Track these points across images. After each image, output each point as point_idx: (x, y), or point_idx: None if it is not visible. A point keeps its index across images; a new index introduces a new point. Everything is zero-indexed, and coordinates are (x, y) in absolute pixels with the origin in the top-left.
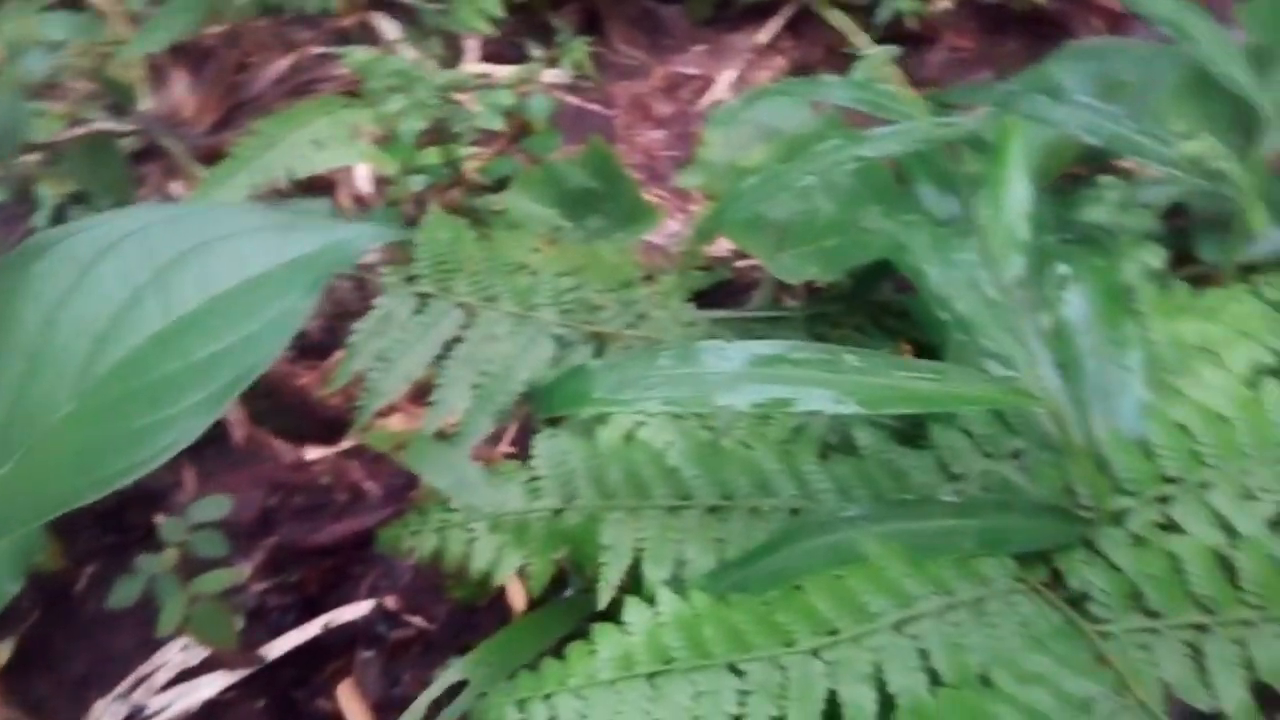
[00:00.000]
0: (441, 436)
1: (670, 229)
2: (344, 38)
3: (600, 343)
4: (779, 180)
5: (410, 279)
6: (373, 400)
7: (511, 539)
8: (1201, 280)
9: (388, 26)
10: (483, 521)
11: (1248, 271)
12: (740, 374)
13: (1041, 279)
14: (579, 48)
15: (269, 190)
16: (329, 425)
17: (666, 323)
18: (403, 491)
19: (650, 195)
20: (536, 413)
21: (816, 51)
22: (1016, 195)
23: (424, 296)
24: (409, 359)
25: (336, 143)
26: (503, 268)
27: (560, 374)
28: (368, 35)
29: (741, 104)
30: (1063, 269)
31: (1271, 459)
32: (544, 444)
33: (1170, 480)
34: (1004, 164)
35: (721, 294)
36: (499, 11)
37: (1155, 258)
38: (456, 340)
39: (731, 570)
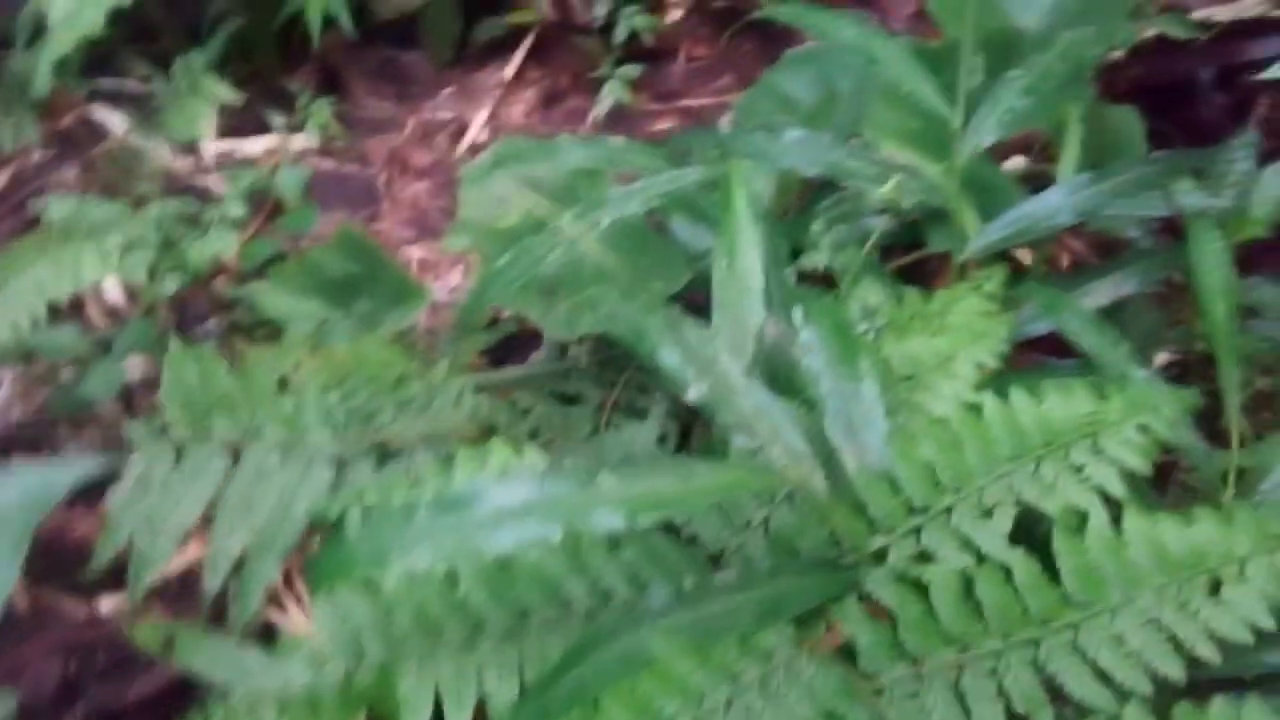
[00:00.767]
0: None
1: (452, 282)
2: (66, 139)
3: (383, 452)
4: (529, 256)
5: (163, 429)
6: (143, 570)
7: (304, 717)
8: (933, 273)
9: (112, 119)
10: (270, 706)
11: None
12: (502, 512)
13: (782, 324)
14: (323, 109)
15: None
16: (120, 569)
17: (447, 411)
18: None
19: (426, 250)
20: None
21: (564, 78)
22: (747, 246)
23: (181, 446)
24: (175, 519)
25: (73, 262)
26: (262, 395)
27: (323, 545)
28: (91, 132)
29: (489, 163)
30: (797, 311)
31: (997, 472)
32: (323, 606)
33: (918, 510)
34: (732, 215)
35: (510, 349)
36: (227, 93)
37: (874, 294)
38: (225, 487)
39: (532, 698)
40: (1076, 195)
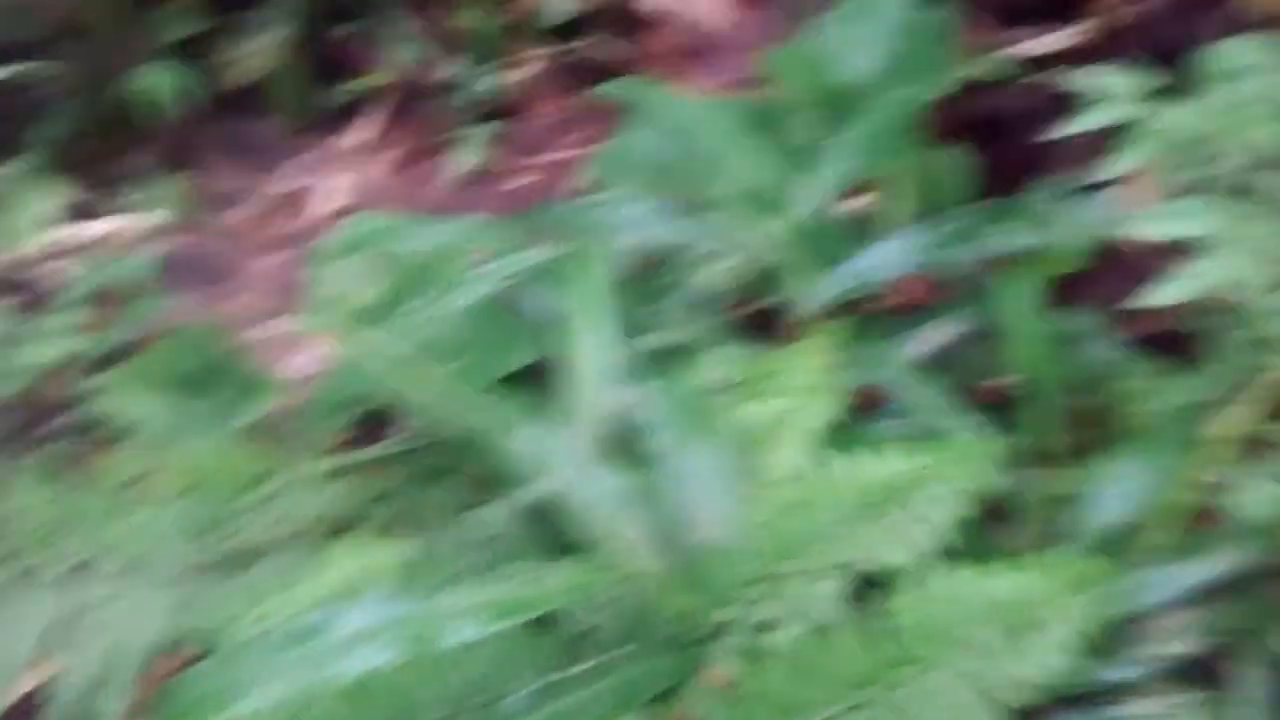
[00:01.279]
0: None
1: (313, 359)
2: None
3: (242, 561)
4: (386, 338)
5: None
6: None
7: None
8: (785, 325)
9: None
10: None
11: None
12: (353, 637)
13: (632, 399)
14: (172, 185)
15: None
16: None
17: (309, 503)
18: None
19: (286, 324)
20: None
21: (421, 139)
22: (598, 324)
23: (26, 569)
24: (6, 661)
25: None
26: (112, 507)
27: (174, 684)
28: None
29: (343, 243)
30: (646, 388)
31: (831, 534)
32: None
33: (758, 580)
34: (582, 293)
35: (372, 426)
36: (63, 185)
37: (724, 358)
38: (70, 611)
39: None
40: (907, 247)
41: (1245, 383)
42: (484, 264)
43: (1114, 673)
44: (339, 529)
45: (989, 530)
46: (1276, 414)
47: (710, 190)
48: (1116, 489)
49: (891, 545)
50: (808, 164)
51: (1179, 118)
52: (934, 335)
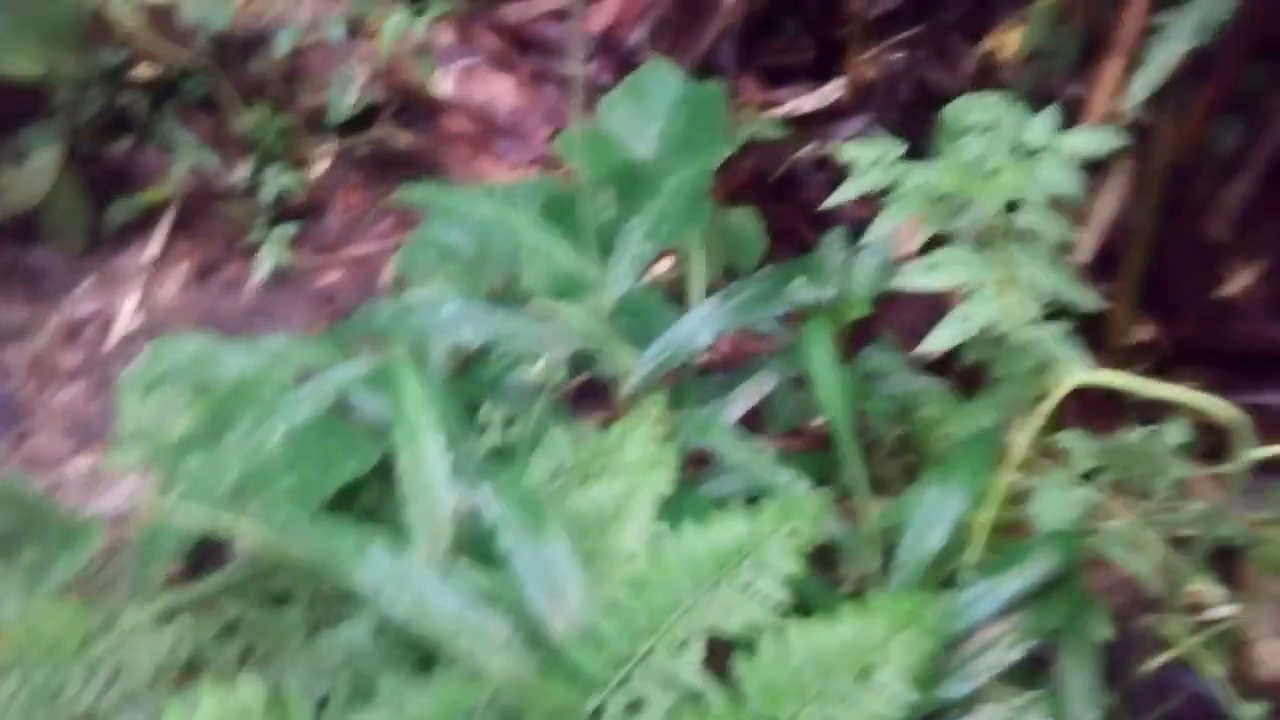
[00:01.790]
0: None
1: (127, 492)
2: None
3: None
4: (209, 471)
5: None
6: None
7: None
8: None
9: None
10: None
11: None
12: None
13: (472, 501)
14: None
15: None
16: None
17: (145, 653)
18: None
19: (92, 459)
20: None
21: (214, 248)
22: (426, 434)
23: None
24: None
25: None
26: None
27: None
28: None
29: (145, 374)
30: (483, 489)
31: (683, 605)
32: None
33: (623, 660)
34: (405, 405)
35: (208, 552)
36: None
37: (556, 446)
38: None
39: None
40: (715, 312)
41: (1027, 404)
42: (303, 382)
43: (956, 689)
44: (184, 677)
45: (827, 573)
46: (1058, 428)
47: (520, 281)
48: (932, 515)
49: (739, 607)
50: (610, 244)
51: (926, 177)
52: (752, 390)
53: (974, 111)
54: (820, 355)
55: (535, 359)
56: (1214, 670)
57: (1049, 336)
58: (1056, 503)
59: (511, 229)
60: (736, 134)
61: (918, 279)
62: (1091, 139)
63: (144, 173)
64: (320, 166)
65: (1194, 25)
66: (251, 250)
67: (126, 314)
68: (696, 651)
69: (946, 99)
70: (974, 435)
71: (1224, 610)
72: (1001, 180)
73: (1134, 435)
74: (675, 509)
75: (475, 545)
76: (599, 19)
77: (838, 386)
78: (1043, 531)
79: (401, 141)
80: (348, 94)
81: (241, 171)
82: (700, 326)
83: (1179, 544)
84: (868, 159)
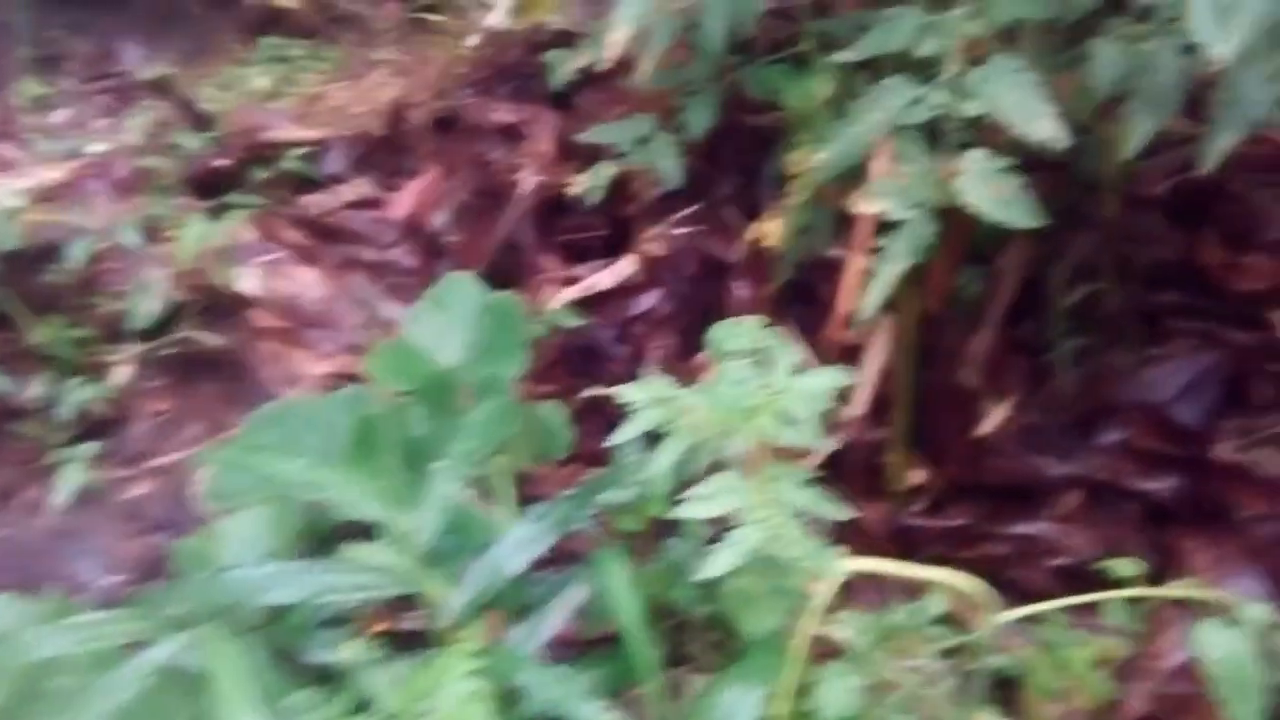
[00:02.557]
0: None
1: None
2: None
3: None
4: None
5: None
6: None
7: None
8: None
9: None
10: None
11: None
12: None
13: None
14: None
15: None
16: None
17: None
18: None
19: None
20: None
21: (9, 472)
22: (242, 709)
23: None
24: None
25: None
26: None
27: None
28: None
29: None
30: None
31: None
32: None
33: None
34: (219, 679)
35: None
36: None
37: (381, 690)
38: None
39: None
40: (524, 540)
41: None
42: (122, 670)
43: None
44: None
45: None
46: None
47: (330, 516)
48: (735, 711)
49: None
50: (424, 461)
51: (695, 417)
52: (565, 605)
53: (733, 338)
54: (612, 573)
55: (350, 601)
56: None
57: (810, 551)
58: (836, 691)
59: (318, 486)
60: (539, 322)
61: (697, 509)
62: (822, 381)
63: None
64: (122, 374)
65: (907, 247)
66: (53, 470)
67: None
68: None
69: (727, 269)
70: (764, 637)
71: None
72: (756, 422)
73: (899, 612)
74: None
75: None
76: (401, 206)
77: (630, 601)
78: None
79: (207, 342)
80: (148, 299)
81: (37, 387)
82: (511, 554)
83: (966, 679)
84: (644, 399)
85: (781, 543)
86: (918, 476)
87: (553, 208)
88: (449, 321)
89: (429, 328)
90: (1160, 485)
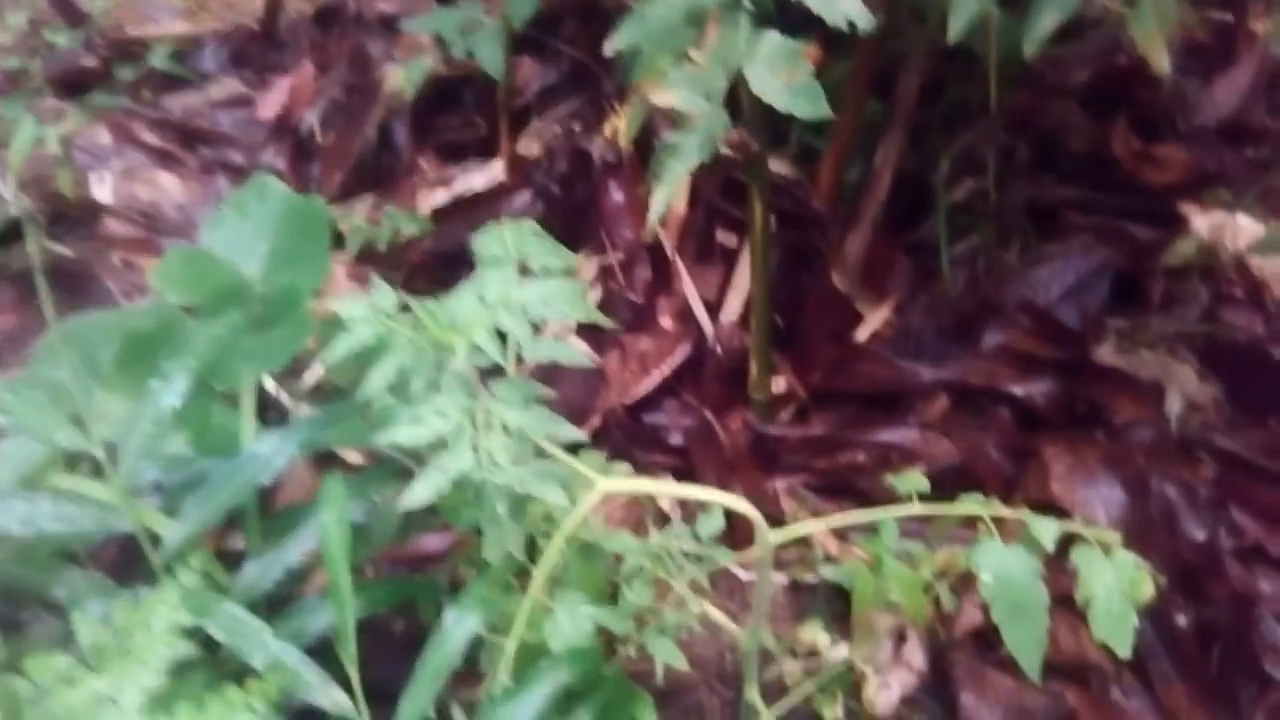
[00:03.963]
0: None
1: None
2: None
3: None
4: None
5: None
6: None
7: None
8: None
9: None
10: None
11: None
12: None
13: None
14: None
15: None
16: None
17: None
18: None
19: None
20: None
21: None
22: None
23: None
24: None
25: None
26: None
27: None
28: None
29: None
30: None
31: None
32: None
33: None
34: None
35: None
36: None
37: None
38: None
39: None
40: (255, 465)
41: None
42: None
43: None
44: None
45: None
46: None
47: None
48: (459, 631)
49: None
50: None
51: (419, 325)
52: (301, 544)
53: (491, 244)
54: (326, 507)
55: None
56: (830, 712)
57: (526, 476)
58: (565, 624)
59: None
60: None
61: (402, 433)
62: (558, 290)
63: None
64: None
65: (698, 142)
66: None
67: None
68: None
69: (604, 170)
70: (496, 566)
71: (837, 653)
72: (470, 337)
73: (672, 530)
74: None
75: None
76: (270, 106)
77: (334, 537)
78: (558, 651)
79: (57, 253)
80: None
81: None
82: (244, 475)
83: (798, 589)
84: (358, 313)
85: (498, 468)
86: (779, 385)
87: (431, 106)
88: (251, 228)
89: (228, 235)
90: (1034, 389)
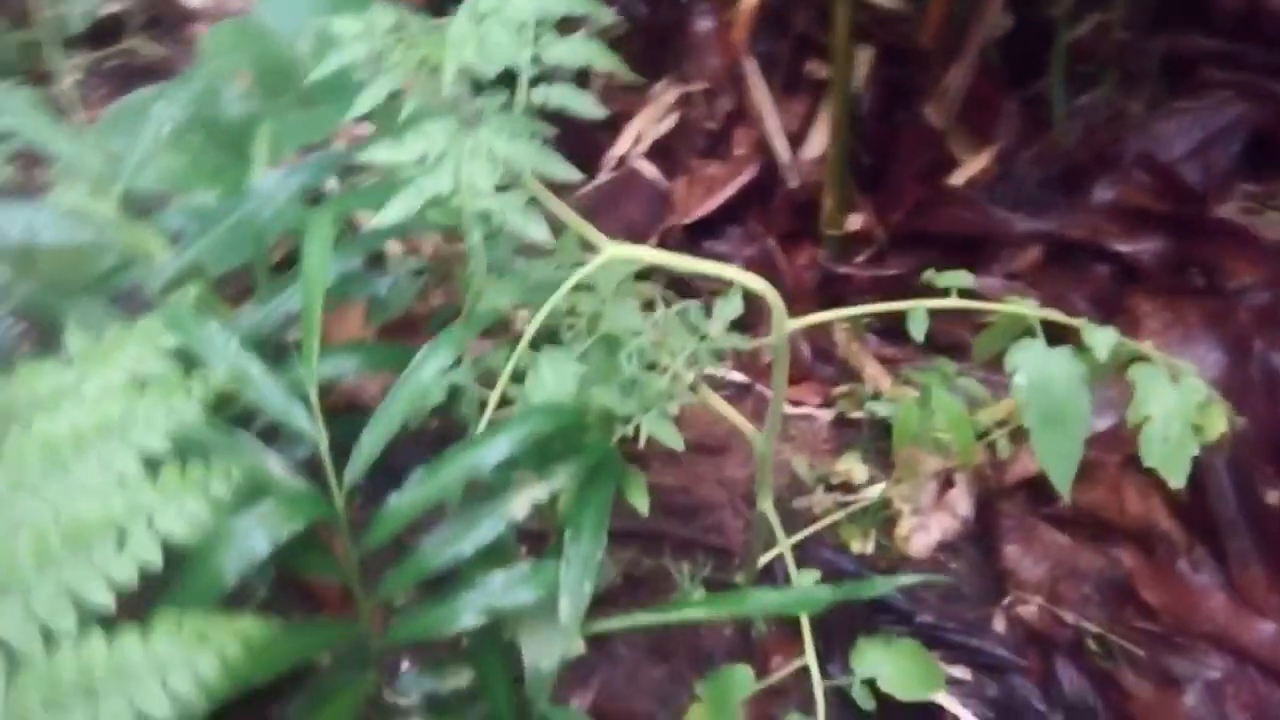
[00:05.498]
0: None
1: None
2: None
3: None
4: None
5: None
6: None
7: None
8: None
9: None
10: None
11: None
12: None
13: None
14: None
15: None
16: None
17: None
18: None
19: None
20: None
21: None
22: None
23: None
24: None
25: None
26: None
27: None
28: None
29: None
30: None
31: None
32: None
33: None
34: None
35: None
36: None
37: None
38: None
39: None
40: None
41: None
42: None
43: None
44: None
45: None
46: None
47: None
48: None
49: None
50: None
51: (413, 45)
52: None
53: None
54: (313, 244)
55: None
56: (859, 546)
57: (506, 205)
58: (548, 376)
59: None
60: None
61: (380, 153)
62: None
63: None
64: (67, 82)
65: None
66: None
67: None
68: None
69: None
70: (481, 313)
71: (873, 489)
72: (458, 50)
73: (679, 308)
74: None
75: None
76: None
77: (317, 275)
78: (532, 403)
79: (151, 53)
80: (86, 4)
81: None
82: (249, 211)
83: (844, 424)
84: (353, 30)
85: (477, 195)
86: (855, 223)
87: None
88: (306, 5)
89: (284, 9)
90: (1141, 247)
